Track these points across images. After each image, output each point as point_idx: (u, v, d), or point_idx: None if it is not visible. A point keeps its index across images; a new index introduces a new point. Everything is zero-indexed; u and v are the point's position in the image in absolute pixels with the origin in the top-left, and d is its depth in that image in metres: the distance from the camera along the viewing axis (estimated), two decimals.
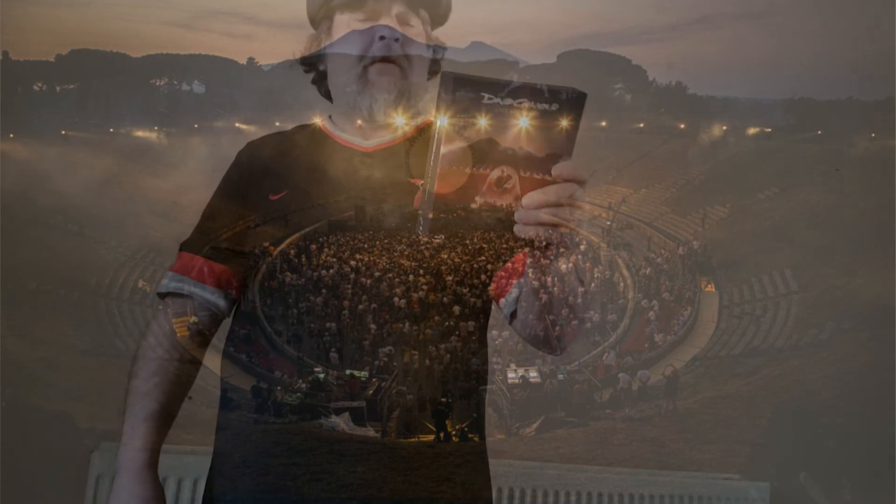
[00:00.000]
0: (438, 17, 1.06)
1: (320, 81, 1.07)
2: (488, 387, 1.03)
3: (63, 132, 19.78)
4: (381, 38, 0.97)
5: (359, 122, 1.03)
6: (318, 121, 1.10)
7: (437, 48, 1.06)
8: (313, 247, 0.99)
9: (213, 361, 1.02)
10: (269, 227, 1.00)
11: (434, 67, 1.06)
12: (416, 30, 1.01)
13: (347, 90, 1.01)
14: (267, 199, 1.01)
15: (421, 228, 0.68)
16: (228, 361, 1.02)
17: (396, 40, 0.97)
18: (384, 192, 0.98)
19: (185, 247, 1.02)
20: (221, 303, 0.99)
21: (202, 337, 1.00)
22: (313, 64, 1.06)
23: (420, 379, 0.95)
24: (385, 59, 0.98)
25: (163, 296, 1.02)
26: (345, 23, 1.00)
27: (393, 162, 1.00)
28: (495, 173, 0.66)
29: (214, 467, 0.98)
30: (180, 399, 0.99)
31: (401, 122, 1.02)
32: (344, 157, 1.02)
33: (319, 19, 1.04)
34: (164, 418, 0.96)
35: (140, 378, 0.96)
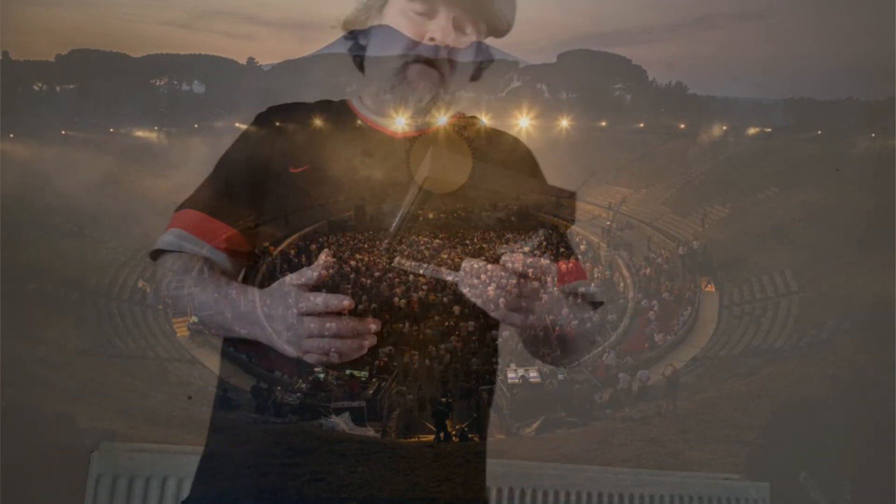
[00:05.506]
0: (497, 31, 1.02)
1: (358, 53, 1.02)
2: (489, 387, 1.02)
3: (63, 132, 19.72)
4: (432, 39, 0.93)
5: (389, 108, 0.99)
6: (346, 98, 1.06)
7: (484, 55, 1.01)
8: (313, 247, 0.99)
9: (214, 362, 1.01)
10: (269, 227, 0.99)
11: (477, 72, 1.03)
12: (469, 38, 0.97)
13: (383, 78, 0.97)
14: (286, 171, 0.99)
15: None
16: (228, 361, 1.01)
17: (445, 46, 0.93)
18: (384, 192, 0.97)
19: (189, 204, 0.99)
20: (228, 265, 0.97)
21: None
22: (355, 35, 1.01)
23: (420, 379, 0.95)
24: (428, 62, 0.94)
25: (157, 253, 0.98)
26: (399, 7, 0.96)
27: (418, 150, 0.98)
28: None
29: (207, 466, 0.97)
30: None
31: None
32: (370, 139, 1.00)
33: None
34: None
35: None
